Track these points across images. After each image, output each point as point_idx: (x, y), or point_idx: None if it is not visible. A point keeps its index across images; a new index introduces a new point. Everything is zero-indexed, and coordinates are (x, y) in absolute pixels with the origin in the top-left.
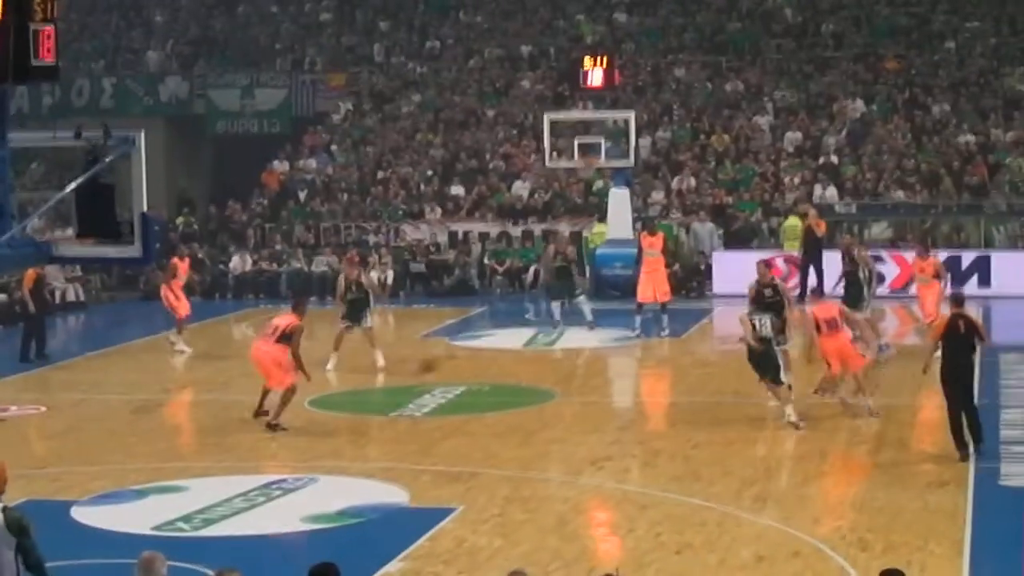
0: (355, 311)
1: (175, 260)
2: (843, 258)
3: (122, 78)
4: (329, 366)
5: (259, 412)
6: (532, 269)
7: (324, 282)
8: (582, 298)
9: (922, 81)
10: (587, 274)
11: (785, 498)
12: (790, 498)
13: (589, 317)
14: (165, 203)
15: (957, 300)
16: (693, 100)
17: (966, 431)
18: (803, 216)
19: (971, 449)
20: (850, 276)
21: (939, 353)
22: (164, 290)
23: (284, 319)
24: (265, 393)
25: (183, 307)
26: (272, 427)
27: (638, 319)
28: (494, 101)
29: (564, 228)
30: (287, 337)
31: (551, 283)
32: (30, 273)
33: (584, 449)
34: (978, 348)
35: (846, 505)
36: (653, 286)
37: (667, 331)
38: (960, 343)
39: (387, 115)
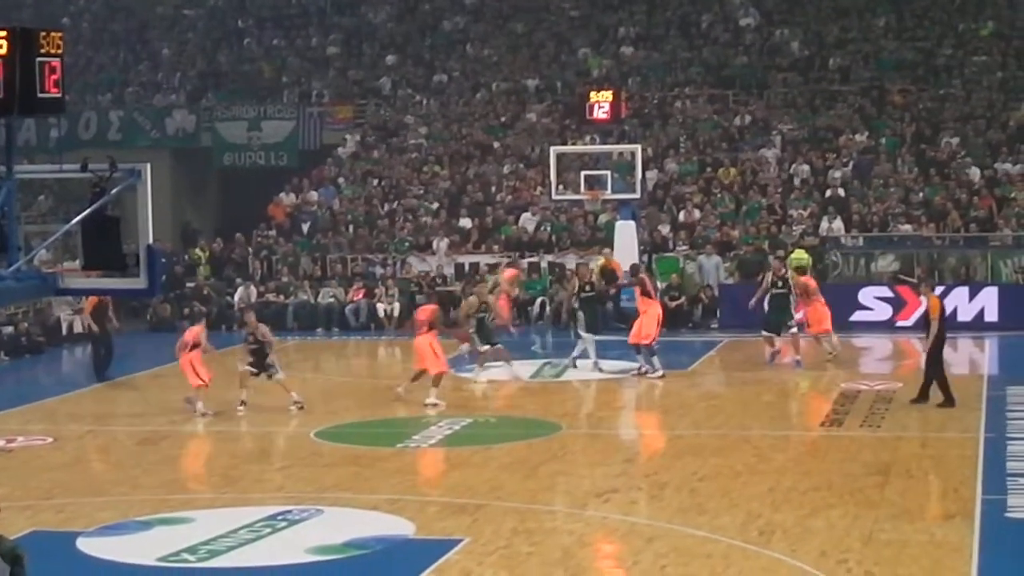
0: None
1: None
2: (775, 282)
3: (129, 111)
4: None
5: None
6: (539, 301)
7: (330, 313)
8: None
9: (928, 115)
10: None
11: (791, 530)
12: (796, 530)
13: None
14: (171, 235)
15: (932, 288)
16: (699, 133)
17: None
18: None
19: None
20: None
21: None
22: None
23: (425, 312)
24: (419, 376)
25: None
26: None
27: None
28: (501, 134)
29: (571, 261)
30: (431, 325)
31: (584, 316)
32: (91, 299)
33: (590, 481)
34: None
35: (853, 537)
36: None
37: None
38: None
39: (394, 147)
